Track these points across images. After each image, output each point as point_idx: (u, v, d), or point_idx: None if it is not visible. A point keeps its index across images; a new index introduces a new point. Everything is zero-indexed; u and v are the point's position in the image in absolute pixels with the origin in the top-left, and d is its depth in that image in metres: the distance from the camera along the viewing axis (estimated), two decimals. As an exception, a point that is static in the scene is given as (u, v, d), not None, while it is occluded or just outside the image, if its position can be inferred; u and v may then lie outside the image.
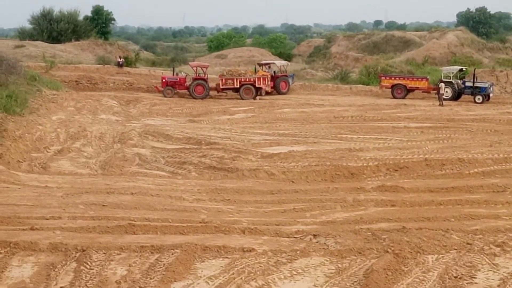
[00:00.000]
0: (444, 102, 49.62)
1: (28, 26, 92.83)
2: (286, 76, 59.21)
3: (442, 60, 79.67)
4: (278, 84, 57.44)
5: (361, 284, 13.34)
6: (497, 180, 23.93)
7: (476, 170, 25.31)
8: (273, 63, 63.05)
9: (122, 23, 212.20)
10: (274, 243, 16.01)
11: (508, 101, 52.82)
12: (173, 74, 56.83)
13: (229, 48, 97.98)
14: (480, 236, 16.51)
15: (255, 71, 58.12)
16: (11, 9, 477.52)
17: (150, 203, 20.17)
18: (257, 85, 53.90)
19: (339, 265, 14.35)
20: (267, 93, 54.76)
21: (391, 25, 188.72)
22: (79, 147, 30.63)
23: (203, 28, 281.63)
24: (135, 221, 17.60)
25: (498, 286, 13.37)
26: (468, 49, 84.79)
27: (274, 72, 59.01)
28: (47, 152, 29.43)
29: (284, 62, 64.43)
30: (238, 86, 54.05)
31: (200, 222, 17.92)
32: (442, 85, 51.44)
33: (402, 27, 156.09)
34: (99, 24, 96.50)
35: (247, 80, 54.11)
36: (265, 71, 57.99)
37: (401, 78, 57.24)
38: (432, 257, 14.82)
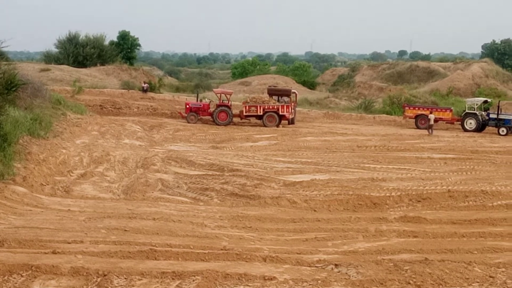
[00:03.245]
0: (468, 134, 49.60)
1: (54, 50, 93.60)
2: (295, 106, 57.54)
3: (466, 91, 79.78)
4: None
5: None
6: (521, 213, 23.74)
7: (499, 202, 25.10)
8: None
9: (147, 49, 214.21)
10: (296, 272, 15.94)
11: (532, 133, 52.57)
12: (197, 100, 56.91)
13: (253, 75, 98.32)
14: (503, 269, 16.37)
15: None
16: (38, 33, 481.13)
17: (172, 229, 20.14)
18: (280, 113, 53.90)
19: (361, 296, 14.28)
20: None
21: (416, 55, 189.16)
22: (102, 172, 30.70)
23: (228, 55, 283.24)
24: (156, 247, 17.57)
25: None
26: (493, 80, 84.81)
27: (285, 101, 56.19)
28: (70, 175, 29.53)
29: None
30: (261, 113, 54.12)
31: (222, 249, 17.88)
32: (432, 116, 52.87)
33: (427, 58, 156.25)
34: (125, 49, 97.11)
35: (271, 107, 54.09)
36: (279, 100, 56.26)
37: (425, 109, 57.24)
38: (454, 290, 14.71)
